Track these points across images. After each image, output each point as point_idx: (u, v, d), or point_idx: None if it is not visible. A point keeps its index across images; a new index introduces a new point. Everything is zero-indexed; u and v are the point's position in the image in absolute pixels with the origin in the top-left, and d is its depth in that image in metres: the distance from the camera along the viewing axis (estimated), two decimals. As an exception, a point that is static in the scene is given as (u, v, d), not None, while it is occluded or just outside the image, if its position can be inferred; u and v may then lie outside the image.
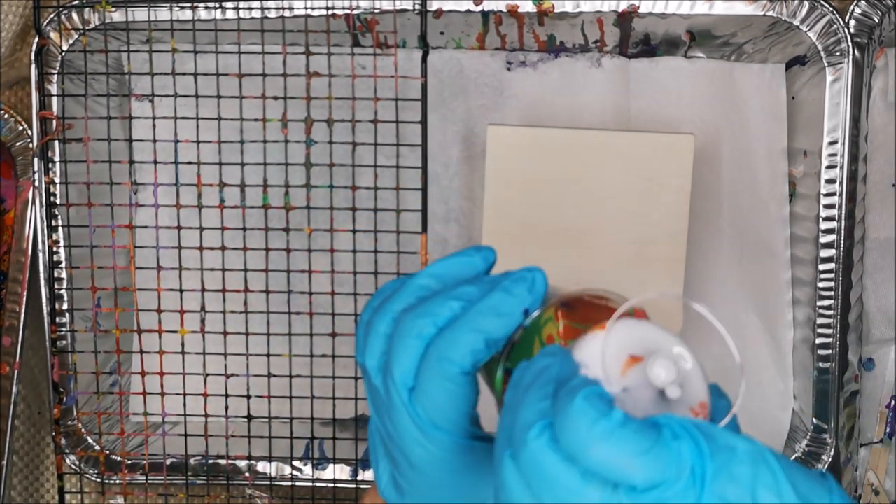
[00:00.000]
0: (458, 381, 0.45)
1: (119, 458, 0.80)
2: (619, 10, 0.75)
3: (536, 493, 0.38)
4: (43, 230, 0.77)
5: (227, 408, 0.78)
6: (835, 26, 0.74)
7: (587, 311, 0.45)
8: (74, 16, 0.76)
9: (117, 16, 0.76)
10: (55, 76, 0.76)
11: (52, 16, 0.76)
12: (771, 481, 0.37)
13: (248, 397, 0.77)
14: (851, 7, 0.75)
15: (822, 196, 0.76)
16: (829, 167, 0.75)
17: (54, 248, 0.77)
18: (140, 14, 0.76)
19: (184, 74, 0.75)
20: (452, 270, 0.49)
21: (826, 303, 0.77)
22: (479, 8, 0.75)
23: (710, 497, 0.37)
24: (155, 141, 0.76)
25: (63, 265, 0.78)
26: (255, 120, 0.75)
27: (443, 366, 0.45)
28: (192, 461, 0.80)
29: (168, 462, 0.79)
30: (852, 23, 0.75)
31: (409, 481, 0.48)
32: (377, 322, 0.48)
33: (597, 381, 0.40)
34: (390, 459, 0.49)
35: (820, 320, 0.77)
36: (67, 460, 0.80)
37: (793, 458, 0.78)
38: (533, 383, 0.40)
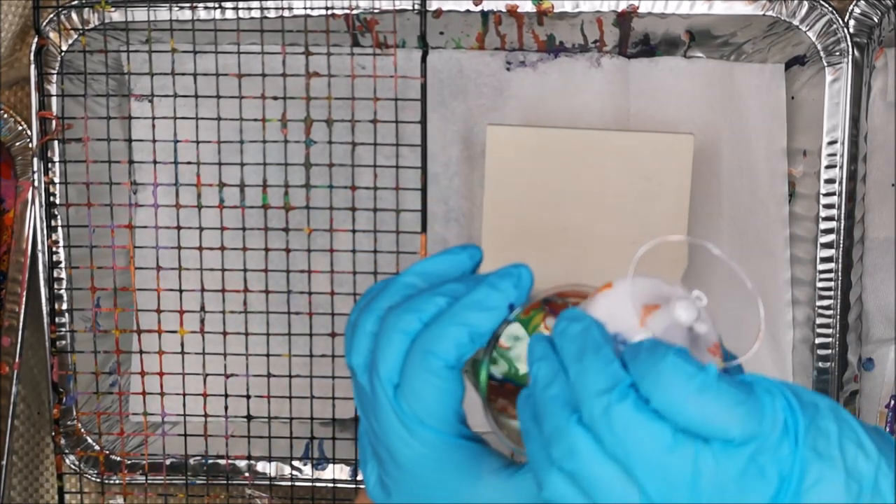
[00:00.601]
0: (443, 375, 0.45)
1: (119, 458, 0.80)
2: (619, 10, 0.75)
3: (621, 457, 0.38)
4: (42, 230, 0.77)
5: (226, 408, 0.78)
6: (834, 26, 0.74)
7: None
8: (74, 16, 0.76)
9: (117, 16, 0.76)
10: (54, 76, 0.76)
11: (51, 16, 0.76)
12: (853, 435, 0.39)
13: (248, 397, 0.77)
14: (851, 7, 0.75)
15: (821, 196, 0.76)
16: (829, 167, 0.75)
17: (54, 248, 0.77)
18: (139, 14, 0.76)
19: (183, 74, 0.75)
20: (438, 268, 0.49)
21: (825, 303, 0.77)
22: (479, 8, 0.75)
23: (805, 450, 0.38)
24: (154, 141, 0.76)
25: (62, 265, 0.78)
26: (255, 120, 0.75)
27: (427, 359, 0.45)
28: (191, 461, 0.79)
29: (168, 462, 0.79)
30: (852, 23, 0.75)
31: (394, 480, 0.48)
32: (363, 321, 0.47)
33: (618, 334, 0.41)
34: (377, 459, 0.49)
35: (819, 320, 0.77)
36: (67, 460, 0.80)
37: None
38: (584, 350, 0.40)
